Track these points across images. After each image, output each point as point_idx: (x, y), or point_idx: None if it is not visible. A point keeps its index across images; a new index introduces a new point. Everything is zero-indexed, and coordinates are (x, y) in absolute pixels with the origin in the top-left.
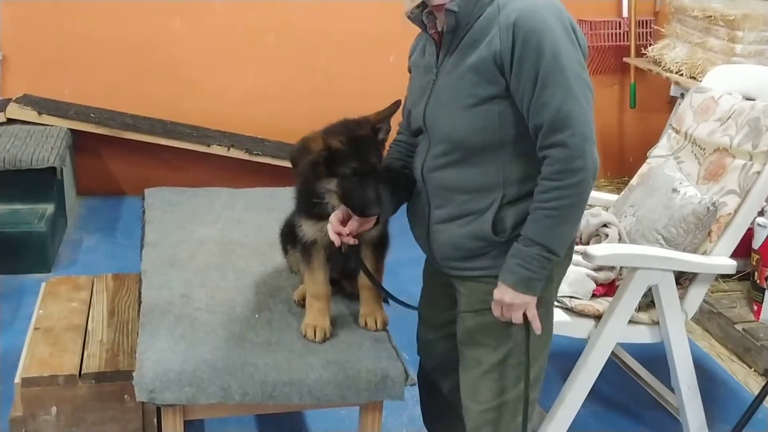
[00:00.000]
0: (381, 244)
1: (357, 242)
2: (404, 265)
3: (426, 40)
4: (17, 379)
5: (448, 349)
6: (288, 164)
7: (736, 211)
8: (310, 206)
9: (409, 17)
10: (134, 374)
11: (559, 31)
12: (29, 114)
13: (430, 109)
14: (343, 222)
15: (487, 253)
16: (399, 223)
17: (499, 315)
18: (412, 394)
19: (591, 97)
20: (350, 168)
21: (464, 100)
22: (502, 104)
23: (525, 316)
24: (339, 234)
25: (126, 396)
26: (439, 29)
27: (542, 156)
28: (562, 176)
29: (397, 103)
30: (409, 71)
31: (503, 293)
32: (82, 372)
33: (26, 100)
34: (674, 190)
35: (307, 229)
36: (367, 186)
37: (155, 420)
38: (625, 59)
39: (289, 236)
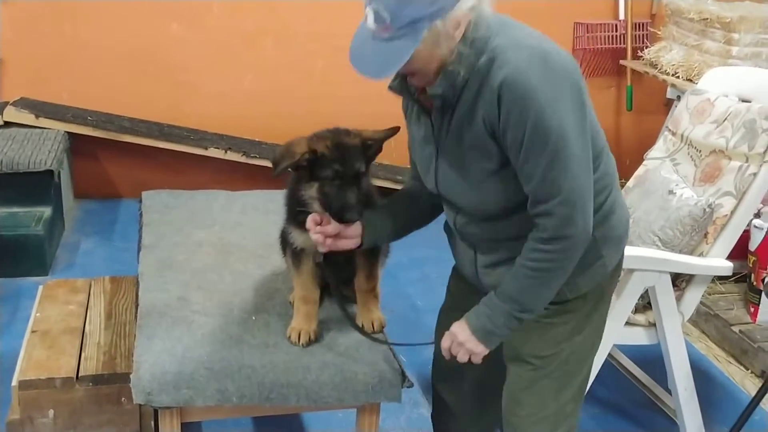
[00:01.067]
0: (374, 252)
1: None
2: (404, 268)
3: (416, 105)
4: (14, 382)
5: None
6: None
7: (732, 213)
8: (296, 214)
9: (391, 88)
10: (131, 376)
11: (546, 91)
12: (26, 117)
13: (443, 185)
14: (319, 223)
15: None
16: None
17: (446, 347)
18: (410, 396)
19: (585, 156)
20: (332, 171)
21: (475, 177)
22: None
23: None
24: (319, 233)
25: (123, 399)
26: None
27: (534, 222)
28: (549, 242)
29: (394, 129)
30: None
31: (460, 330)
32: (80, 375)
33: (23, 103)
34: (670, 192)
35: (296, 237)
36: (348, 191)
37: (152, 423)
38: (621, 62)
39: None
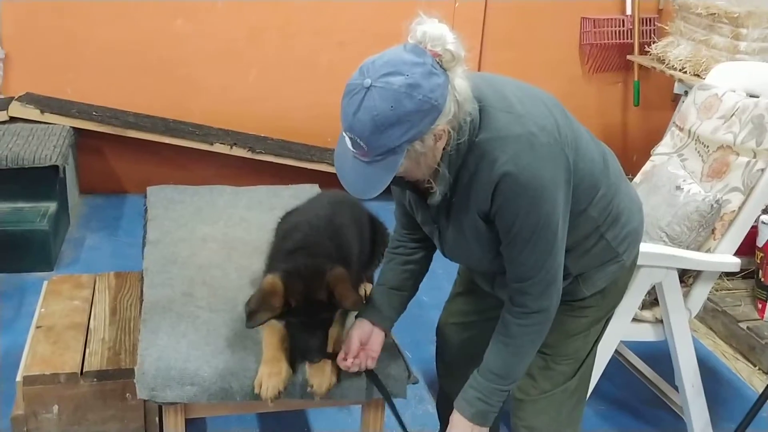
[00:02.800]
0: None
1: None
2: None
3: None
4: (19, 378)
5: (470, 337)
6: (289, 163)
7: (740, 209)
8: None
9: None
10: (136, 371)
11: (535, 186)
12: (32, 112)
13: (450, 253)
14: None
15: None
16: None
17: None
18: (414, 392)
19: (563, 234)
20: (299, 321)
21: (480, 250)
22: None
23: None
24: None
25: (128, 394)
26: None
27: (509, 291)
28: (526, 317)
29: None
30: None
31: (458, 424)
32: (84, 370)
33: (29, 99)
34: (678, 188)
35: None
36: (313, 337)
37: (157, 419)
38: (628, 57)
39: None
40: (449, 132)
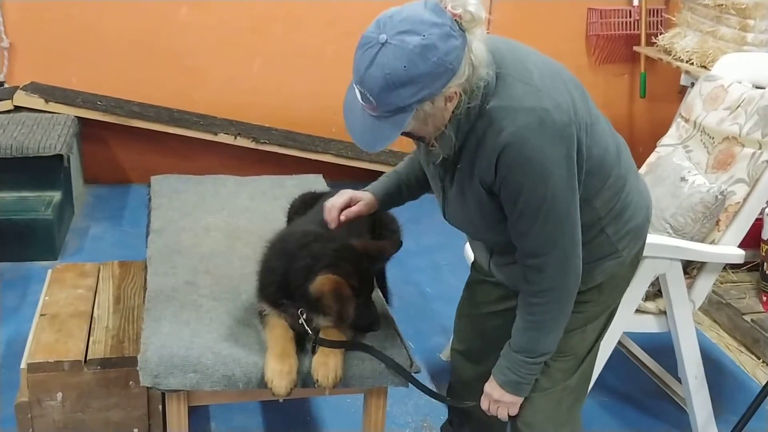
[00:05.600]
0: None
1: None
2: (412, 255)
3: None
4: (23, 365)
5: (495, 327)
6: (294, 153)
7: (744, 200)
8: (278, 304)
9: None
10: (139, 359)
11: (541, 159)
12: (36, 101)
13: (452, 219)
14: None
15: None
16: (409, 213)
17: (486, 408)
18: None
19: (575, 209)
20: (362, 300)
21: (481, 220)
22: None
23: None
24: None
25: (131, 382)
26: None
27: (522, 269)
28: (542, 294)
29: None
30: None
31: (493, 389)
32: (88, 358)
33: (33, 88)
34: (682, 179)
35: (270, 313)
36: (370, 308)
37: (160, 406)
38: (635, 48)
39: (299, 209)
40: (460, 95)
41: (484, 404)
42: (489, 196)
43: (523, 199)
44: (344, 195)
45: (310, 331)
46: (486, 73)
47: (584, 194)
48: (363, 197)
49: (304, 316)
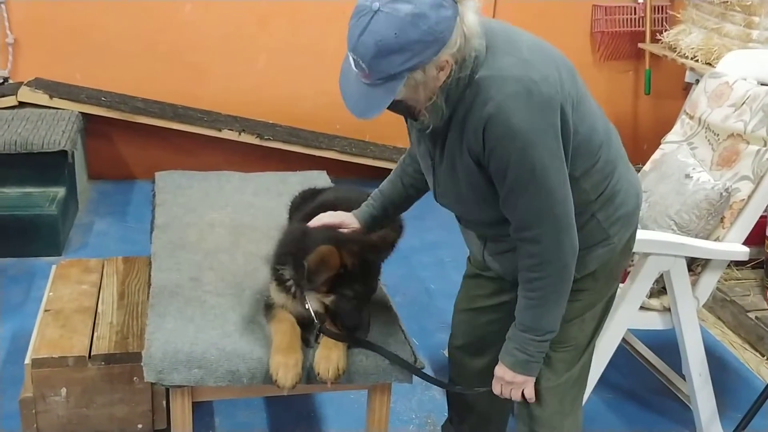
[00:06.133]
0: None
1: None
2: (417, 252)
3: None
4: (27, 360)
5: (491, 321)
6: (297, 149)
7: (749, 198)
8: (287, 289)
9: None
10: (143, 354)
11: (528, 129)
12: (41, 97)
13: (441, 198)
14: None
15: None
16: (413, 210)
17: (499, 392)
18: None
19: (565, 180)
20: (353, 290)
21: (470, 196)
22: None
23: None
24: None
25: (135, 378)
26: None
27: (517, 244)
28: (539, 268)
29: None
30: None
31: (504, 372)
32: (92, 354)
33: (38, 84)
34: (687, 176)
35: (276, 296)
36: (362, 310)
37: (164, 402)
38: (640, 45)
39: (300, 205)
40: (452, 65)
41: (496, 388)
42: (478, 168)
43: (512, 169)
44: (325, 221)
45: (315, 318)
46: (478, 43)
47: (573, 171)
48: (349, 224)
49: (307, 305)
